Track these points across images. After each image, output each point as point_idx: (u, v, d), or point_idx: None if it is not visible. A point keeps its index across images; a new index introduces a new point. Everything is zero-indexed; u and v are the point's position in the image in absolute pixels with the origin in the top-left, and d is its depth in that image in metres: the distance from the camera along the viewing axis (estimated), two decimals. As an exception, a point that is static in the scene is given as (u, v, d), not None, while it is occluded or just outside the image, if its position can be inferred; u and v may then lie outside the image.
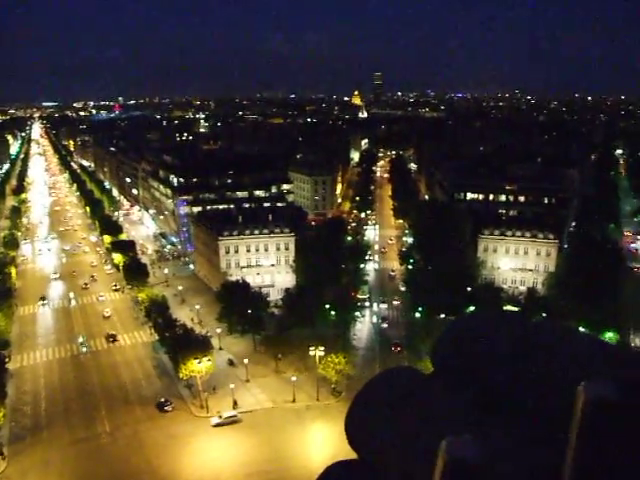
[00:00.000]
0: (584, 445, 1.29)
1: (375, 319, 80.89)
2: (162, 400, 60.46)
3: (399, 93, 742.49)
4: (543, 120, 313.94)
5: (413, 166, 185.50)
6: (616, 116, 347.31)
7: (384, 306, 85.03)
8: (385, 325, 79.66)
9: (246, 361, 64.98)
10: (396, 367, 2.55)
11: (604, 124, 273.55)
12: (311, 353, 62.60)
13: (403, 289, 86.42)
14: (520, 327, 2.51)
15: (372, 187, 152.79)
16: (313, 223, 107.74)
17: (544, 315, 67.57)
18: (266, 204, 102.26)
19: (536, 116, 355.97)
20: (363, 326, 78.25)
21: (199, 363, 59.64)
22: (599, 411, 1.27)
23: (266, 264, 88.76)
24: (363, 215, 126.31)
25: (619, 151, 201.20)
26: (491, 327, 2.46)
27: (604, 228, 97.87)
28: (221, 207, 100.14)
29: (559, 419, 1.32)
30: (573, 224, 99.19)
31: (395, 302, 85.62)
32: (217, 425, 56.16)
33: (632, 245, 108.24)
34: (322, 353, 61.56)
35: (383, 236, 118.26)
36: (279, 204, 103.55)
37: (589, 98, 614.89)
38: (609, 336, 66.48)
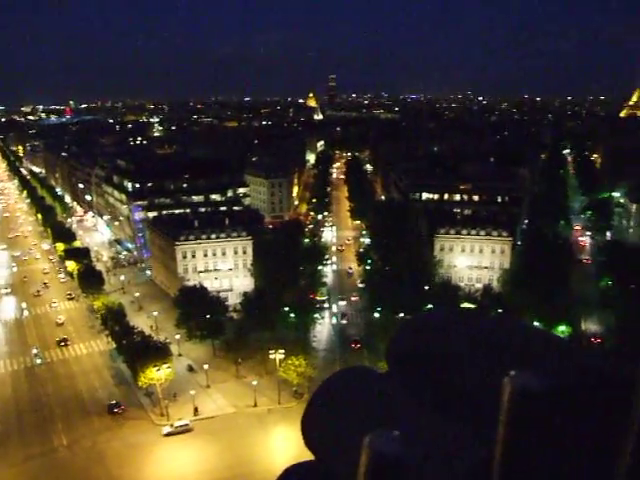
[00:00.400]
0: (511, 437, 1.26)
1: (335, 320, 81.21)
2: (112, 403, 59.50)
3: (354, 95, 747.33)
4: (494, 120, 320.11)
5: (369, 167, 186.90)
6: (563, 117, 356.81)
7: (343, 303, 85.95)
8: (344, 322, 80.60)
9: (206, 367, 64.34)
10: (351, 367, 2.54)
11: (552, 124, 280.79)
12: (271, 356, 62.43)
13: (361, 285, 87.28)
14: (474, 324, 2.54)
15: (329, 189, 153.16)
16: (270, 226, 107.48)
17: (500, 311, 68.98)
18: (222, 208, 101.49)
19: (488, 117, 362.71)
20: (323, 327, 78.39)
21: (158, 370, 58.75)
22: (524, 402, 1.25)
23: (224, 268, 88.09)
24: (320, 217, 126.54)
25: (567, 150, 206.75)
26: (445, 324, 2.48)
27: (555, 224, 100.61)
28: (177, 212, 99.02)
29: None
30: (526, 221, 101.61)
31: (353, 298, 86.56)
32: (168, 434, 55.17)
33: (581, 238, 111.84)
34: (282, 356, 61.44)
35: (341, 237, 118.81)
36: (236, 207, 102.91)
37: (538, 99, 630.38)
38: (562, 329, 68.58)
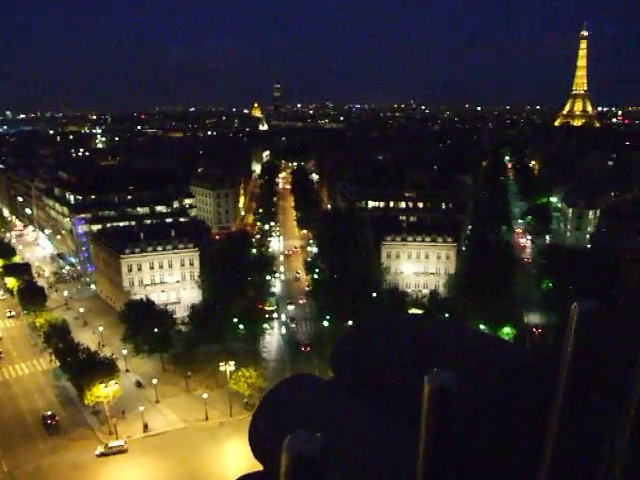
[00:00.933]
0: (429, 433, 1.36)
1: (284, 330, 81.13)
2: (46, 414, 57.89)
3: (299, 105, 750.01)
4: (437, 129, 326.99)
5: (315, 177, 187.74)
6: (502, 125, 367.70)
7: (291, 307, 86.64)
8: (293, 325, 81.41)
9: (155, 381, 63.14)
10: (295, 375, 2.64)
11: (492, 133, 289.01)
12: (222, 369, 61.82)
13: (308, 289, 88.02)
14: (414, 328, 2.67)
15: (275, 199, 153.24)
16: (217, 237, 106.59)
17: (447, 316, 70.33)
18: (168, 219, 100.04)
19: (431, 126, 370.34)
20: (272, 337, 78.14)
21: (105, 387, 57.33)
22: (440, 398, 1.34)
23: (171, 281, 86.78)
24: (267, 227, 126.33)
25: (507, 158, 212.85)
26: (386, 330, 2.61)
27: (497, 229, 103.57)
28: (122, 224, 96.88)
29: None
30: (469, 227, 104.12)
31: (301, 301, 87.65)
32: (101, 455, 53.59)
33: (522, 240, 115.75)
34: (233, 368, 60.95)
35: (288, 247, 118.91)
36: (182, 219, 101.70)
37: (478, 108, 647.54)
38: (507, 331, 70.44)
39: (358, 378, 2.53)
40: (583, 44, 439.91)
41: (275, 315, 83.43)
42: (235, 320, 72.21)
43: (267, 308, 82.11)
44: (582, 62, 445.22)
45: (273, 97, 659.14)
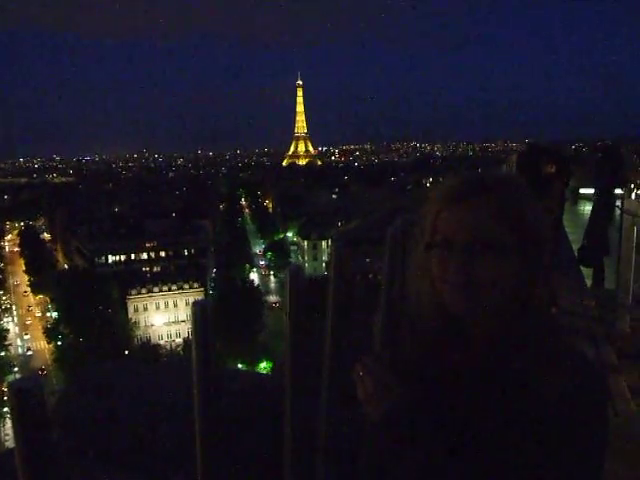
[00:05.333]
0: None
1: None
2: None
3: (21, 159, 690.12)
4: (172, 176, 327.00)
5: (47, 236, 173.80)
6: (235, 168, 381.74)
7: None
8: None
9: None
10: None
11: (226, 176, 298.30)
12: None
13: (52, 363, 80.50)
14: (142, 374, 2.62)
15: (2, 264, 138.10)
16: None
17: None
18: None
19: (165, 173, 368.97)
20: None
21: None
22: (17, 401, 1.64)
23: None
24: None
25: (243, 199, 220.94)
26: (108, 381, 2.52)
27: (241, 269, 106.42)
28: None
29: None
30: (214, 270, 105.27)
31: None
32: None
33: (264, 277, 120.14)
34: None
35: (23, 316, 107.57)
36: None
37: (210, 154, 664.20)
38: (264, 366, 72.25)
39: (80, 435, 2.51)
40: (300, 92, 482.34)
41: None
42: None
43: (5, 389, 72.76)
44: (300, 107, 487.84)
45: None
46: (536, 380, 1.34)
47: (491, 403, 1.40)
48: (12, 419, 1.69)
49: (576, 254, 10.46)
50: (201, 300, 2.60)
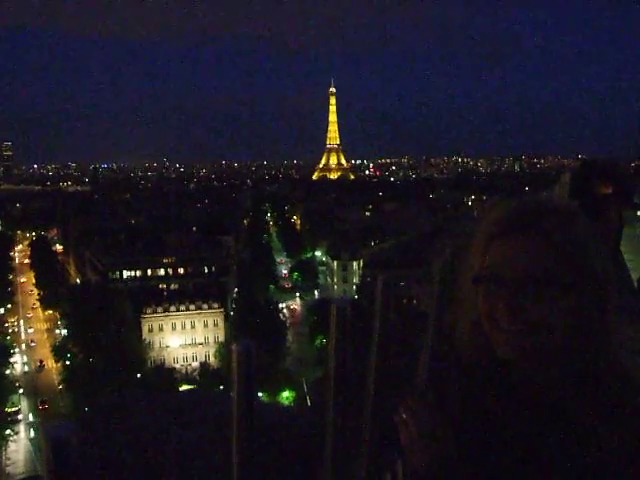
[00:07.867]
0: None
1: (33, 433, 73.48)
2: None
3: (35, 166, 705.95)
4: (194, 188, 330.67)
5: (59, 247, 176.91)
6: (261, 181, 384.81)
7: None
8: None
9: None
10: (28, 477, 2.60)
11: (251, 189, 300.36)
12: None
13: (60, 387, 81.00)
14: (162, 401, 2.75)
15: (11, 276, 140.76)
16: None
17: (222, 388, 69.83)
18: None
19: (186, 184, 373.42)
20: (19, 445, 69.91)
21: None
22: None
23: None
24: (2, 310, 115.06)
25: (268, 214, 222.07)
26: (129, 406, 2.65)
27: (265, 289, 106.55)
28: None
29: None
30: (236, 290, 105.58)
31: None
32: None
33: (290, 302, 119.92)
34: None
35: (31, 331, 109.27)
36: None
37: (235, 165, 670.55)
38: (286, 395, 72.12)
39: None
40: (333, 100, 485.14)
41: (20, 417, 75.29)
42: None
43: (8, 410, 73.80)
44: (333, 117, 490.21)
45: (3, 156, 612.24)
46: (599, 432, 1.30)
47: (546, 458, 1.36)
48: (46, 469, 1.69)
49: (636, 285, 10.34)
50: (244, 342, 2.47)
